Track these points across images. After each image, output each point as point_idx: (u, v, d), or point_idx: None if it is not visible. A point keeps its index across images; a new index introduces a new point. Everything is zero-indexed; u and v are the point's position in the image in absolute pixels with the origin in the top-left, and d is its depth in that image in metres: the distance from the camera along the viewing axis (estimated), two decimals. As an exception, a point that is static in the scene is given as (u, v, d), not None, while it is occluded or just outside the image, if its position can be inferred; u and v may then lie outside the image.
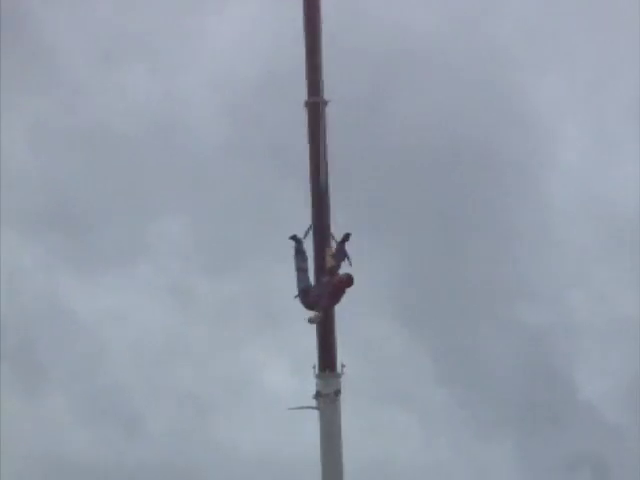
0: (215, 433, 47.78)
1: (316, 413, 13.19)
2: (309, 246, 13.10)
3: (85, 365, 36.83)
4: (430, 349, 52.22)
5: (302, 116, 13.85)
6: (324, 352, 13.33)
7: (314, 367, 13.28)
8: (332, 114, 13.71)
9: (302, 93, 13.88)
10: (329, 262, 12.74)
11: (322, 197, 13.27)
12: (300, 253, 12.95)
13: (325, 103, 13.62)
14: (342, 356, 14.64)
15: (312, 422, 13.38)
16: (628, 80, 37.59)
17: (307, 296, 12.76)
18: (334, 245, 12.82)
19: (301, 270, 12.94)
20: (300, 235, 13.15)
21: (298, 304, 13.02)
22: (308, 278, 12.90)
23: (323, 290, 12.58)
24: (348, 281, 12.65)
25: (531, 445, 49.21)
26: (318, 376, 13.29)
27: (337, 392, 13.23)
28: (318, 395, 13.26)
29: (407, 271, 46.14)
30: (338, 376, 13.20)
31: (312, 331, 13.50)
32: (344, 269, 12.79)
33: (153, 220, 40.64)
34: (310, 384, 13.43)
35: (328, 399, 13.19)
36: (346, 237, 12.92)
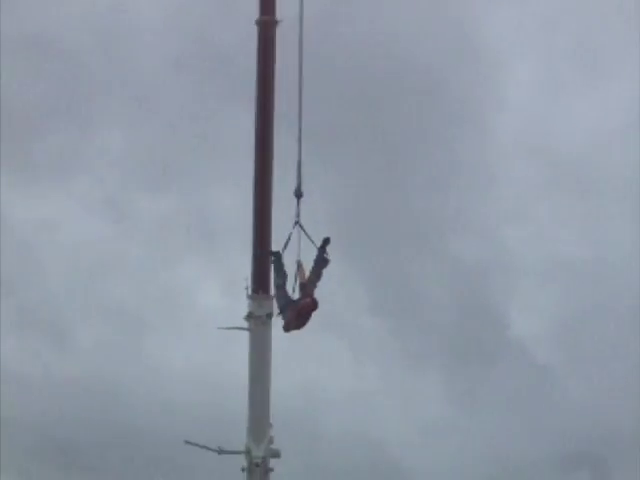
0: (145, 350, 47.56)
1: (247, 334, 13.16)
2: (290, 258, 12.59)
3: (16, 275, 36.45)
4: (364, 277, 52.28)
5: (253, 35, 13.64)
6: (258, 274, 13.23)
7: (246, 288, 13.18)
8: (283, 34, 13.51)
9: (254, 12, 13.67)
10: (301, 278, 12.37)
11: (267, 117, 13.26)
12: (278, 269, 12.45)
13: (276, 23, 13.48)
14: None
15: (243, 343, 13.35)
16: (579, 20, 37.60)
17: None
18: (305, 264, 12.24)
19: (279, 288, 12.44)
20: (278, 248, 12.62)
21: (234, 222, 12.85)
22: (286, 295, 12.38)
23: (290, 315, 12.17)
24: (312, 305, 12.28)
25: (459, 379, 49.81)
26: (251, 297, 13.21)
27: (269, 315, 13.14)
28: (250, 316, 13.20)
29: (345, 198, 46.10)
30: (271, 299, 13.08)
31: (247, 252, 13.36)
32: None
33: (93, 132, 39.93)
34: (243, 305, 13.34)
35: (260, 321, 13.14)
36: (326, 242, 12.48)
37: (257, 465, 12.69)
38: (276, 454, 12.84)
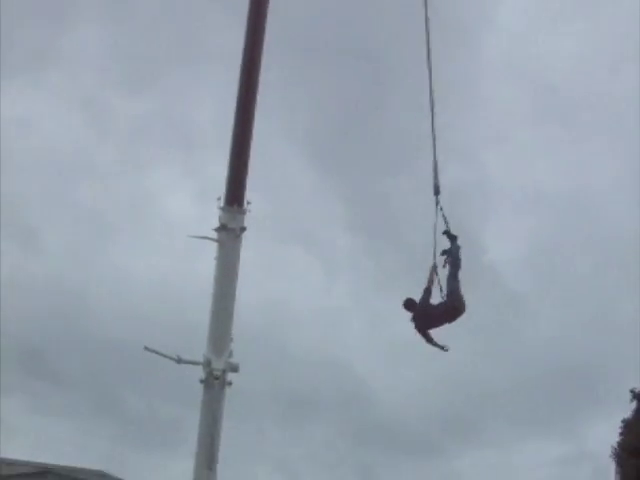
0: (112, 254, 47.55)
1: (215, 246, 13.02)
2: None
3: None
4: (341, 194, 52.30)
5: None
6: (234, 186, 12.95)
7: (219, 199, 12.97)
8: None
9: None
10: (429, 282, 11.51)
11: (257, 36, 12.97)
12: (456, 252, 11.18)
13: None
14: (251, 192, 14.38)
15: (210, 255, 13.21)
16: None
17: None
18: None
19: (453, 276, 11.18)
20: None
21: (212, 131, 12.65)
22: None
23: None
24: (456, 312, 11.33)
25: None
26: (224, 209, 12.98)
27: (242, 229, 12.99)
28: (222, 228, 12.98)
29: (326, 113, 45.80)
30: (244, 212, 12.93)
31: (223, 161, 13.11)
32: None
33: (70, 28, 39.04)
34: (214, 215, 13.17)
35: (232, 234, 12.94)
36: (451, 237, 11.35)
37: (216, 378, 12.64)
38: (235, 368, 12.77)
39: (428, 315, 11.43)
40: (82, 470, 30.55)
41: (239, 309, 13.48)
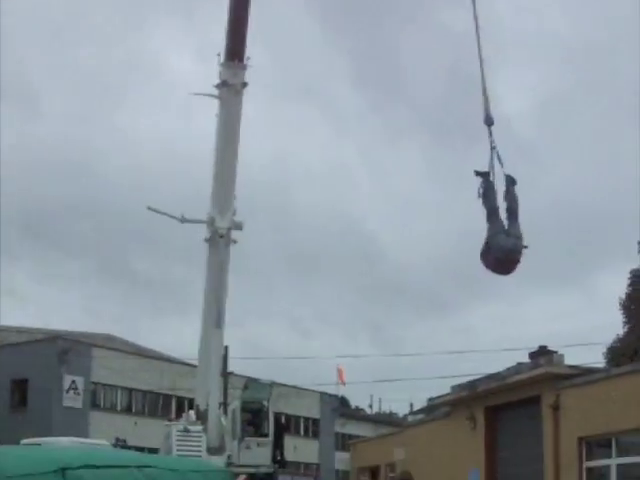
0: (114, 115, 47.10)
1: (217, 102, 12.78)
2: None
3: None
4: (347, 48, 51.45)
5: None
6: (233, 41, 12.57)
7: (219, 55, 12.65)
8: None
9: None
10: None
11: None
12: (490, 189, 9.57)
13: None
14: (254, 47, 13.99)
15: (213, 111, 12.97)
16: None
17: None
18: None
19: (493, 212, 9.55)
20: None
21: None
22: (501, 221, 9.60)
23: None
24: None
25: (441, 155, 49.63)
26: (225, 65, 12.69)
27: (243, 84, 12.75)
28: (223, 84, 12.73)
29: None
30: (244, 67, 12.64)
31: (223, 16, 12.74)
32: None
33: None
34: (216, 71, 12.88)
35: (233, 90, 12.69)
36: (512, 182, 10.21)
37: (221, 236, 12.60)
38: (239, 226, 12.73)
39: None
40: (90, 335, 30.94)
41: (243, 167, 13.37)
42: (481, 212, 9.19)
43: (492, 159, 9.44)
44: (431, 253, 55.50)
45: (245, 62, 12.66)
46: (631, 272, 23.22)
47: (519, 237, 9.18)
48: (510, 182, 9.46)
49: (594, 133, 49.43)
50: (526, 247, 9.31)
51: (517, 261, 9.28)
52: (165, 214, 13.05)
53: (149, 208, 13.01)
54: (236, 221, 12.71)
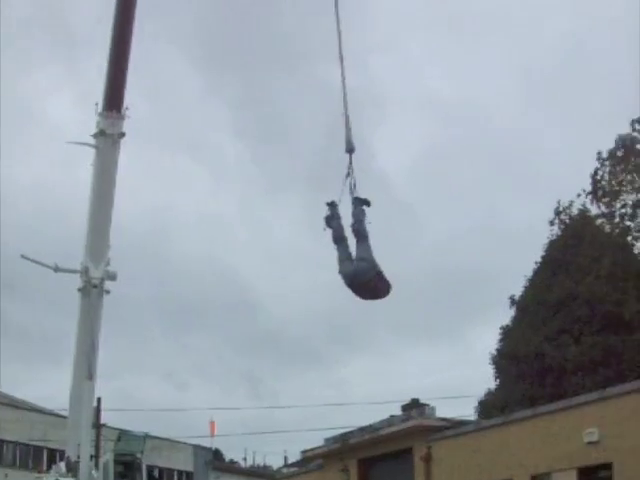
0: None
1: (93, 151, 12.74)
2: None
3: None
4: (228, 98, 51.62)
5: None
6: (112, 91, 12.50)
7: (97, 104, 12.60)
8: None
9: None
10: None
11: None
12: (334, 219, 9.64)
13: None
14: (134, 96, 13.97)
15: (89, 160, 12.91)
16: None
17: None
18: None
19: (340, 240, 9.52)
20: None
21: (98, 28, 11.99)
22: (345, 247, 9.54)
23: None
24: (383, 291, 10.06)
25: (319, 208, 50.06)
26: (103, 115, 12.61)
27: (121, 135, 12.68)
28: (101, 134, 12.65)
29: (213, 13, 44.96)
30: (122, 118, 12.58)
31: (104, 64, 12.70)
32: None
33: None
34: (93, 120, 12.85)
35: (110, 140, 12.63)
36: (364, 202, 10.20)
37: (94, 286, 12.50)
38: (113, 276, 12.64)
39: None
40: (-40, 385, 30.21)
41: (120, 217, 13.30)
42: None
43: (351, 186, 9.56)
44: (308, 305, 55.81)
45: (123, 112, 12.57)
46: (501, 328, 23.74)
47: (363, 258, 9.03)
48: (359, 203, 9.50)
49: (471, 188, 50.61)
50: (375, 267, 9.18)
51: (368, 282, 9.17)
52: (39, 263, 12.88)
53: (22, 256, 12.85)
54: (110, 271, 12.60)
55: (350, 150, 9.49)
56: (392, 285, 9.13)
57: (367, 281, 9.04)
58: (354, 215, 9.38)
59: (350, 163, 9.49)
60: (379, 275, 9.08)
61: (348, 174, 9.52)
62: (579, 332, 20.88)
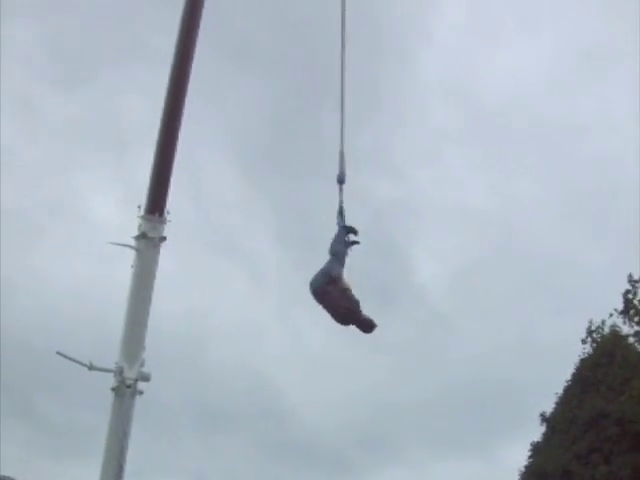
0: (32, 255, 46.85)
1: (134, 253, 12.94)
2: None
3: None
4: (271, 207, 52.18)
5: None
6: (155, 195, 12.83)
7: (139, 207, 12.88)
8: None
9: None
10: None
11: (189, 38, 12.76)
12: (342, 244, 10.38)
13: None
14: (178, 199, 14.25)
15: (131, 261, 13.11)
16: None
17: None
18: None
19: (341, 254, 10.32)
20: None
21: (145, 132, 12.25)
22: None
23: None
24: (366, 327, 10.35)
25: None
26: (145, 218, 12.87)
27: (162, 238, 12.93)
28: (141, 237, 12.89)
29: (260, 120, 45.71)
30: (164, 222, 12.86)
31: (149, 168, 12.97)
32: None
33: (2, 22, 38.38)
34: (134, 221, 13.05)
35: (151, 243, 12.86)
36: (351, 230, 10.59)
37: (127, 386, 12.59)
38: (146, 377, 12.71)
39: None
40: (-10, 478, 30.01)
41: (159, 319, 13.48)
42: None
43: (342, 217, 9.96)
44: (340, 414, 55.28)
45: (165, 216, 12.84)
46: (531, 444, 23.58)
47: (322, 269, 9.71)
48: (345, 230, 9.86)
49: (507, 302, 50.49)
50: (329, 275, 9.58)
51: (318, 289, 9.60)
52: (74, 360, 13.01)
53: (58, 353, 13.00)
54: (144, 372, 12.69)
55: (341, 181, 9.92)
56: (375, 323, 9.61)
57: (317, 287, 9.52)
58: (335, 236, 9.83)
59: (340, 192, 9.91)
60: (333, 283, 9.53)
61: (340, 211, 9.94)
62: (609, 451, 20.73)
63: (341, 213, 10.31)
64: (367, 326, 10.14)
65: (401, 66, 45.00)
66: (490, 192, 52.26)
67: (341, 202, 10.32)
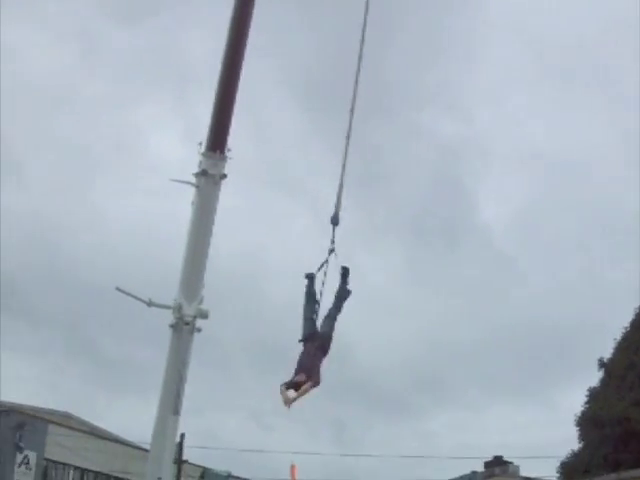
0: (93, 191, 47.25)
1: (194, 190, 12.89)
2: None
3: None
4: (331, 145, 51.97)
5: None
6: (216, 133, 12.75)
7: (200, 144, 12.80)
8: None
9: None
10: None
11: None
12: (311, 296, 10.75)
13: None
14: (239, 136, 14.17)
15: (190, 197, 13.07)
16: None
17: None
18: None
19: (307, 319, 10.69)
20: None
21: (207, 68, 12.18)
22: (313, 325, 10.66)
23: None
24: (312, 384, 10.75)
25: (420, 258, 49.99)
26: (205, 155, 12.81)
27: (222, 176, 12.86)
28: (202, 174, 12.83)
29: (321, 58, 45.39)
30: (225, 159, 12.77)
31: (211, 104, 12.87)
32: None
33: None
34: (196, 158, 12.98)
35: (211, 180, 12.81)
36: (345, 272, 10.88)
37: (186, 323, 12.62)
38: (205, 315, 12.72)
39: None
40: (47, 411, 30.54)
41: (218, 257, 13.48)
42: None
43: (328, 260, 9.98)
44: (400, 356, 55.44)
45: (226, 154, 12.76)
46: (589, 390, 23.42)
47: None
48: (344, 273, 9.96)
49: (571, 243, 50.11)
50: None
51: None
52: (133, 296, 13.06)
53: (117, 289, 13.05)
54: (202, 309, 12.70)
55: (335, 223, 9.82)
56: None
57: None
58: (338, 294, 9.89)
59: (332, 235, 9.79)
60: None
61: (332, 250, 9.87)
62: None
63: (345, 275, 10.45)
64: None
65: (469, 5, 44.38)
66: (554, 133, 51.63)
67: (333, 245, 10.34)
